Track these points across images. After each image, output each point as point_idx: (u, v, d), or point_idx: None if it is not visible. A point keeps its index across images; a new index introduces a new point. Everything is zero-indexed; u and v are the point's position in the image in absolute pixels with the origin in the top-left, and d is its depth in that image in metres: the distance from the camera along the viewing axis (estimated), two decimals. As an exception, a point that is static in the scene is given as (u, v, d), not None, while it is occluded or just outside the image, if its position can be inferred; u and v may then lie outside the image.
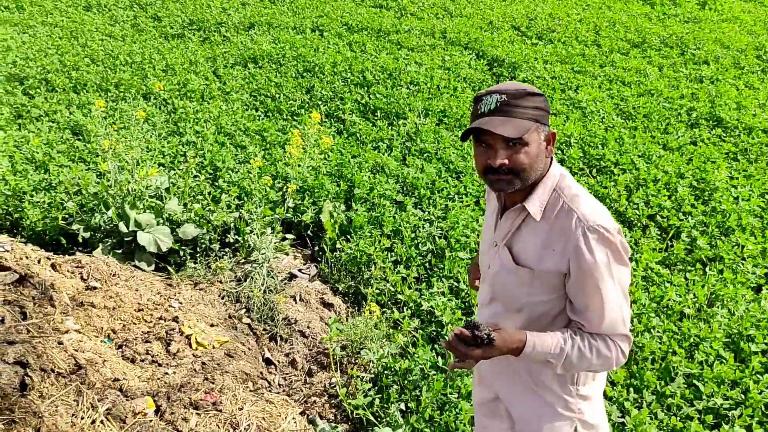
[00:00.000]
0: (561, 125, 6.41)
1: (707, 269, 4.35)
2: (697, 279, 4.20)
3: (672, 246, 4.67)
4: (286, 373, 3.75)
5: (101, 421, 2.61)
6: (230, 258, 4.57)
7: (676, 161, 5.73)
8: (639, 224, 4.96)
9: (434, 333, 3.81)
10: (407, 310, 3.95)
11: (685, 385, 3.39)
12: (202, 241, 4.57)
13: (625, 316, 1.89)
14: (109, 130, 5.04)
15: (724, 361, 3.52)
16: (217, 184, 5.21)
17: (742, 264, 4.43)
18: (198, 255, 4.54)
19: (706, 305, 4.03)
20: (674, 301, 3.96)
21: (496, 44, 9.15)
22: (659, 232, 4.87)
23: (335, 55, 8.32)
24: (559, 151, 6.01)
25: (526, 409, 2.07)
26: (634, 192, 5.28)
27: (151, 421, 2.80)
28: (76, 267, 3.71)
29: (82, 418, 2.55)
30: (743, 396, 3.29)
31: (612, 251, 1.83)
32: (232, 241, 4.66)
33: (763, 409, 3.23)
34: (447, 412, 3.16)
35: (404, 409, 3.33)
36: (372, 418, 3.23)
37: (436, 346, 3.70)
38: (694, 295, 4.06)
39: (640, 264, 4.36)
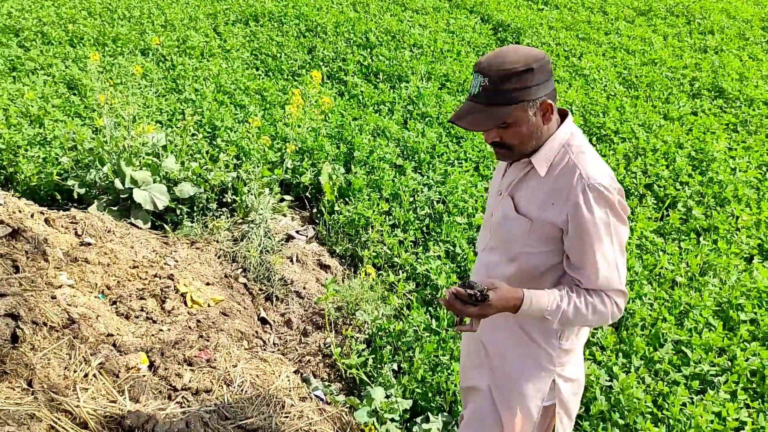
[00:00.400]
0: (563, 92, 6.36)
1: (701, 239, 4.36)
2: (691, 248, 4.21)
3: (668, 215, 4.67)
4: (281, 333, 3.78)
5: (94, 375, 2.64)
6: (227, 218, 4.57)
7: (676, 131, 5.70)
8: (636, 193, 4.96)
9: (429, 296, 3.83)
10: (403, 273, 3.97)
11: (674, 352, 3.42)
12: (199, 200, 4.57)
13: (621, 273, 1.93)
14: (105, 85, 4.98)
15: (712, 328, 3.55)
16: (215, 143, 5.18)
17: (736, 234, 4.43)
18: (195, 214, 4.53)
19: (698, 274, 4.05)
20: (666, 269, 3.97)
21: (502, 8, 9.02)
22: (655, 202, 4.86)
23: (338, 15, 8.20)
24: (560, 118, 5.97)
25: (508, 361, 2.12)
26: (632, 161, 5.26)
27: (144, 376, 2.83)
28: (71, 222, 3.71)
29: (75, 372, 2.58)
30: (730, 363, 3.33)
31: (611, 209, 1.87)
32: (229, 201, 4.65)
33: (749, 375, 3.27)
34: (439, 373, 3.20)
35: (397, 369, 3.37)
36: (365, 377, 3.27)
37: (430, 308, 3.72)
38: (687, 264, 4.07)
39: (635, 232, 4.37)
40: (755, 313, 3.68)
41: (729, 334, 3.55)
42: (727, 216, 4.59)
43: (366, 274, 3.55)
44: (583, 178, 1.85)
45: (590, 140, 5.68)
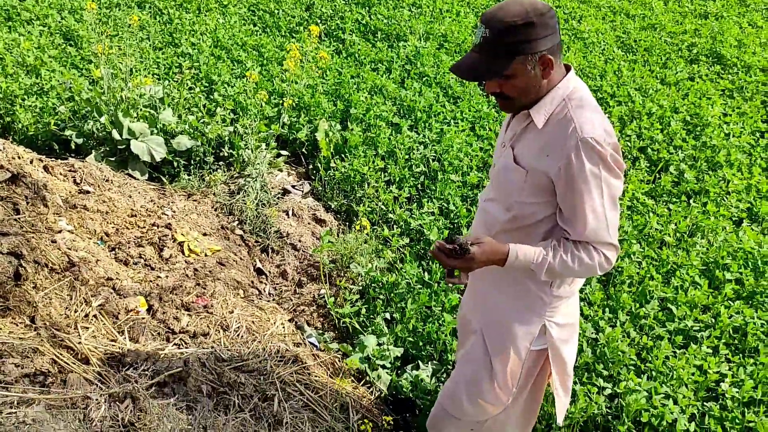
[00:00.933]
0: (562, 55, 6.33)
1: (691, 201, 4.42)
2: (680, 210, 4.28)
3: (660, 178, 4.73)
4: (277, 284, 3.85)
5: (94, 315, 2.70)
6: (224, 171, 4.60)
7: (672, 96, 5.73)
8: (630, 156, 5.00)
9: (422, 251, 3.90)
10: (397, 228, 4.03)
11: (659, 308, 3.51)
12: (196, 153, 4.59)
13: (610, 226, 1.95)
14: (102, 36, 4.96)
15: (698, 287, 3.64)
16: (212, 97, 5.18)
17: (726, 198, 4.50)
18: (192, 167, 4.56)
19: (687, 236, 4.13)
20: (655, 229, 4.05)
21: (501, -31, 8.93)
22: (648, 165, 4.92)
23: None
24: (557, 81, 5.98)
25: (500, 301, 2.20)
26: (628, 124, 5.29)
27: (143, 318, 2.90)
28: (69, 171, 3.74)
29: (76, 311, 2.64)
30: (714, 320, 3.42)
31: (603, 163, 1.88)
32: (226, 155, 4.68)
33: (731, 332, 3.37)
34: (430, 324, 3.28)
35: (389, 319, 3.45)
36: (358, 326, 3.35)
37: (423, 262, 3.79)
38: (676, 224, 4.14)
39: (626, 194, 4.43)
40: (740, 273, 3.77)
41: (714, 293, 3.64)
42: (718, 180, 4.65)
43: (361, 227, 3.60)
44: (577, 132, 1.87)
45: (586, 103, 5.70)
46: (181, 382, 2.51)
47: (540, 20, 1.83)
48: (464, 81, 5.65)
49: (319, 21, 6.94)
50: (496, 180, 2.13)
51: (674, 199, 4.52)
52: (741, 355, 3.28)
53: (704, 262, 3.86)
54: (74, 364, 2.33)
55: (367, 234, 3.90)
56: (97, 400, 1.89)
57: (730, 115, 5.52)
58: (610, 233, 1.96)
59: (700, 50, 6.74)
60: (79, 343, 2.44)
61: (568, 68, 2.01)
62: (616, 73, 6.09)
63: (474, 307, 2.32)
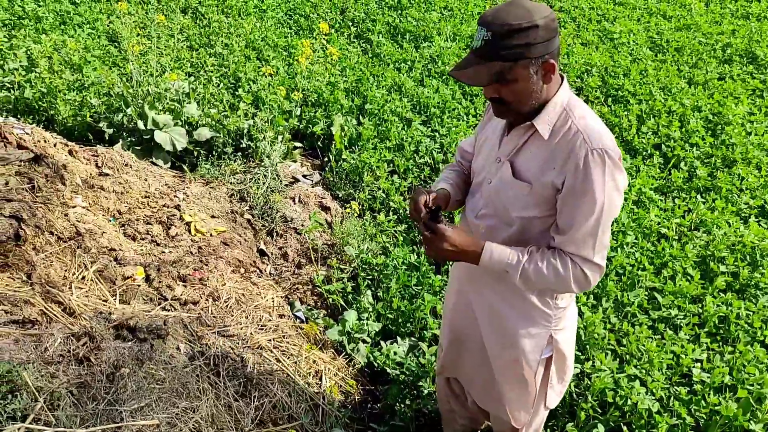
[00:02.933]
0: (588, 55, 6.36)
1: (700, 197, 4.39)
2: (684, 204, 4.26)
3: (671, 174, 4.71)
4: (278, 265, 4.05)
5: (91, 279, 2.97)
6: (242, 162, 4.86)
7: (698, 95, 5.66)
8: (644, 153, 4.99)
9: (417, 238, 4.03)
10: (394, 215, 4.18)
11: (646, 297, 3.52)
12: (216, 144, 4.87)
13: (598, 243, 1.90)
14: (136, 36, 5.32)
15: (690, 278, 3.63)
16: (237, 93, 5.47)
17: (739, 195, 4.45)
18: (211, 157, 4.84)
19: (689, 230, 4.11)
20: (653, 222, 4.05)
21: (541, -27, 8.97)
22: (662, 161, 4.90)
23: (374, -23, 8.36)
24: (578, 79, 6.01)
25: (505, 320, 2.15)
26: (645, 122, 5.27)
27: (139, 285, 3.15)
28: (92, 155, 4.06)
29: (74, 274, 2.91)
30: (700, 309, 3.42)
31: (609, 175, 1.84)
32: (244, 146, 4.94)
33: (716, 322, 3.36)
34: (408, 302, 3.41)
35: (377, 297, 3.60)
36: (343, 303, 3.52)
37: (415, 247, 3.93)
38: (678, 217, 4.13)
39: (634, 188, 4.44)
40: (736, 266, 3.73)
41: (705, 284, 3.63)
42: (732, 177, 4.59)
43: (350, 209, 3.76)
44: (587, 143, 1.82)
45: (606, 100, 5.72)
46: (160, 339, 2.73)
47: (544, 22, 1.77)
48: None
49: (351, 24, 7.18)
50: (494, 196, 2.04)
51: (684, 195, 4.50)
52: (721, 343, 3.27)
53: (700, 255, 3.85)
54: (62, 316, 2.58)
55: (366, 221, 4.07)
56: (59, 337, 2.13)
57: (756, 114, 5.42)
58: (595, 250, 1.91)
59: (734, 51, 6.61)
60: (69, 299, 2.70)
61: (561, 77, 1.96)
62: (642, 72, 6.06)
63: (470, 322, 2.29)
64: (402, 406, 3.02)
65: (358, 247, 3.82)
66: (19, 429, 1.64)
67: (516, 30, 1.74)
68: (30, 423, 1.66)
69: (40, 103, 5.09)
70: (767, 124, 5.27)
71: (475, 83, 1.83)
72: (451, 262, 2.37)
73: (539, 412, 2.38)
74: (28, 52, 5.54)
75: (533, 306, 2.09)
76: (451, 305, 2.39)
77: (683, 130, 5.20)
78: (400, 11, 7.43)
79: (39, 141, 3.71)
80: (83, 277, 2.95)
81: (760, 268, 3.68)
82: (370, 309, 3.42)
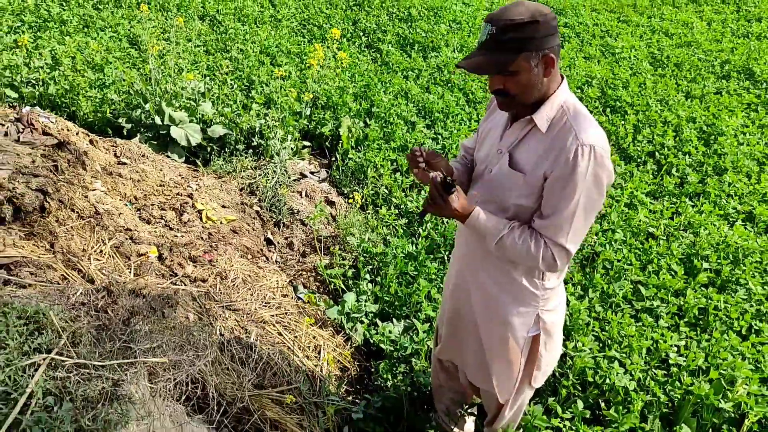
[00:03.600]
0: (588, 68, 6.58)
1: (689, 202, 4.57)
2: (671, 206, 4.45)
3: (663, 180, 4.90)
4: (283, 253, 4.27)
5: (108, 253, 3.19)
6: (253, 159, 5.09)
7: (694, 107, 5.86)
8: (639, 159, 5.19)
9: (416, 230, 4.24)
10: (395, 209, 4.39)
11: (631, 289, 3.71)
12: (229, 141, 5.11)
13: (573, 231, 2.05)
14: (155, 39, 5.59)
15: (674, 273, 3.81)
16: (250, 95, 5.73)
17: (727, 200, 4.63)
18: (224, 154, 5.08)
19: (676, 230, 4.29)
20: (643, 222, 4.24)
21: (549, -10, 9.24)
22: (656, 168, 5.09)
23: (386, -10, 8.65)
24: (578, 90, 6.23)
25: (494, 299, 2.33)
26: (641, 131, 5.47)
27: (152, 262, 3.37)
28: (111, 146, 4.31)
29: (92, 248, 3.14)
30: (682, 302, 3.59)
31: (595, 170, 1.98)
32: (256, 144, 5.18)
33: (696, 313, 3.53)
34: (405, 286, 3.61)
35: (375, 282, 3.80)
36: (343, 287, 3.72)
37: (413, 239, 4.13)
38: (667, 218, 4.31)
39: (626, 191, 4.63)
40: (719, 264, 3.91)
41: (688, 279, 3.81)
42: (722, 184, 4.78)
43: (353, 200, 3.98)
44: (579, 138, 1.96)
45: (604, 110, 5.93)
46: (171, 308, 2.94)
47: (544, 20, 1.92)
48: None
49: (362, 34, 7.45)
50: (493, 184, 2.21)
51: (674, 199, 4.69)
52: (701, 332, 3.44)
53: (685, 254, 4.03)
54: (80, 281, 2.80)
55: (368, 213, 4.28)
56: (80, 289, 2.34)
57: (749, 126, 5.61)
58: (568, 238, 2.06)
59: (732, 67, 6.82)
60: (88, 268, 2.92)
61: (562, 77, 2.12)
62: (641, 85, 6.27)
63: (466, 301, 2.46)
64: (394, 379, 3.21)
65: (360, 237, 4.03)
66: (44, 359, 1.85)
67: (518, 25, 1.90)
68: (54, 355, 1.88)
69: (63, 99, 5.36)
70: (760, 137, 5.46)
71: (481, 72, 1.98)
72: (440, 219, 2.54)
73: (524, 390, 2.56)
74: (53, 52, 5.84)
75: (522, 287, 2.27)
76: (452, 286, 2.57)
77: (677, 139, 5.40)
78: (409, 23, 7.69)
79: (62, 129, 3.96)
80: (101, 251, 3.18)
81: (741, 265, 3.86)
82: (369, 292, 3.63)
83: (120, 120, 5.13)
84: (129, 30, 6.81)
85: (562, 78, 2.12)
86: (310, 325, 3.44)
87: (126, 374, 1.92)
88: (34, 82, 5.46)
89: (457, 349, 2.65)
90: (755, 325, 3.43)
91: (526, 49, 1.93)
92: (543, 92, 2.05)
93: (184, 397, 2.33)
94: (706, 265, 3.87)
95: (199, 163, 4.94)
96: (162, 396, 2.13)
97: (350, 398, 3.21)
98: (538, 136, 2.08)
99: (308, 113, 5.34)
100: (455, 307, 2.57)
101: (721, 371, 3.08)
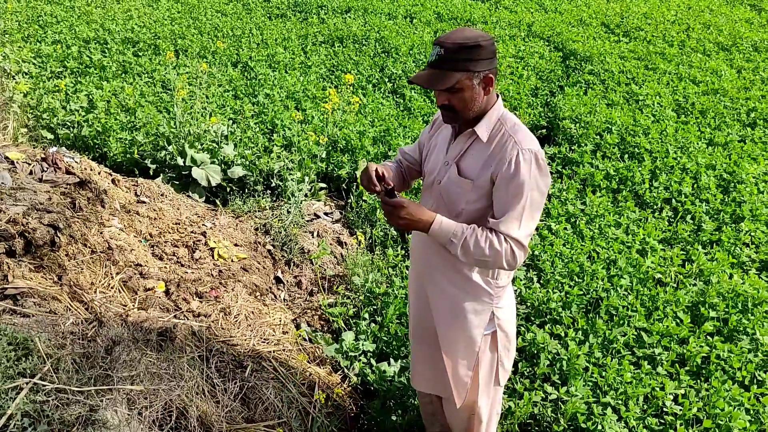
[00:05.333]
0: (609, 114, 6.60)
1: (702, 249, 4.52)
2: (681, 253, 4.40)
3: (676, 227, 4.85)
4: (292, 291, 4.36)
5: (116, 287, 3.33)
6: (270, 199, 5.25)
7: (715, 155, 5.81)
8: (654, 206, 5.16)
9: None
10: (402, 250, 4.46)
11: (634, 336, 3.67)
12: (248, 182, 5.29)
13: (523, 226, 2.26)
14: (191, 86, 5.86)
15: (679, 321, 3.76)
16: (272, 138, 5.92)
17: (742, 249, 4.56)
18: (244, 195, 5.25)
19: (685, 278, 4.24)
20: (651, 268, 4.20)
21: (579, 38, 9.34)
22: (671, 215, 5.05)
23: (415, 38, 8.87)
24: (597, 136, 6.25)
25: (451, 300, 2.52)
26: (658, 177, 5.45)
27: (158, 297, 3.50)
28: (133, 185, 4.51)
29: (100, 281, 3.28)
30: (685, 350, 3.54)
31: (535, 170, 2.23)
32: (274, 185, 5.34)
33: (699, 362, 3.47)
34: (407, 327, 3.66)
35: (374, 322, 3.85)
36: (343, 325, 3.78)
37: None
38: (679, 266, 4.27)
39: (637, 237, 4.60)
40: (727, 312, 3.85)
41: (694, 328, 3.75)
42: (738, 233, 4.71)
43: (357, 239, 4.06)
44: (518, 144, 2.24)
45: (622, 156, 5.93)
46: (169, 341, 3.05)
47: (486, 44, 2.21)
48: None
49: (387, 80, 7.65)
50: (444, 193, 2.44)
51: (688, 247, 4.64)
52: (699, 379, 3.39)
53: (693, 302, 3.97)
54: (83, 313, 2.94)
55: (376, 254, 4.36)
56: (71, 319, 2.46)
57: (771, 175, 5.54)
58: (520, 231, 2.25)
59: (759, 114, 6.76)
60: (92, 300, 3.06)
61: (496, 95, 2.41)
62: (662, 132, 6.26)
63: (426, 308, 2.65)
64: (387, 420, 3.23)
65: (364, 277, 4.11)
66: (27, 383, 1.97)
67: (464, 47, 2.19)
68: (37, 380, 1.99)
69: (95, 140, 5.64)
70: (782, 185, 5.38)
71: (429, 86, 2.23)
72: (409, 234, 2.70)
73: (489, 389, 2.69)
74: (89, 96, 6.16)
75: (476, 285, 2.47)
76: (413, 296, 2.77)
77: (695, 186, 5.36)
78: (434, 70, 7.85)
79: (85, 169, 4.18)
80: (109, 285, 3.32)
81: (750, 315, 3.79)
82: (368, 331, 3.68)
83: (146, 161, 5.37)
84: (163, 75, 7.14)
85: (498, 96, 2.39)
86: (308, 362, 3.51)
87: (102, 400, 2.02)
88: (69, 124, 5.76)
89: (422, 367, 2.79)
90: (759, 375, 3.36)
91: (470, 69, 2.20)
92: (482, 109, 2.32)
93: (167, 427, 2.42)
94: (713, 313, 3.81)
95: (218, 203, 5.12)
96: (142, 423, 2.22)
97: (342, 437, 3.24)
98: (480, 146, 2.34)
99: (325, 156, 5.49)
100: (417, 318, 2.75)
101: (718, 422, 3.02)
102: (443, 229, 2.28)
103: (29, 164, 3.94)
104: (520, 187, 2.23)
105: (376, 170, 2.36)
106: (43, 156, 4.06)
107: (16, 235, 2.96)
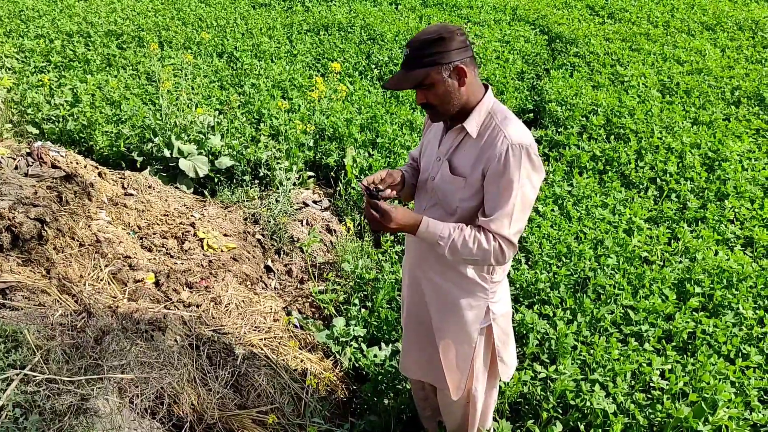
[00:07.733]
0: (595, 96, 6.63)
1: (688, 227, 4.57)
2: (667, 231, 4.45)
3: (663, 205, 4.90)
4: (282, 280, 4.38)
5: (105, 279, 3.34)
6: (258, 189, 5.25)
7: (700, 134, 5.85)
8: (641, 186, 5.20)
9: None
10: (391, 235, 4.48)
11: (621, 314, 3.71)
12: (236, 172, 5.29)
13: (513, 223, 2.21)
14: (176, 78, 5.83)
15: (665, 298, 3.81)
16: (259, 128, 5.92)
17: (727, 225, 4.60)
18: (231, 185, 5.25)
19: (671, 256, 4.29)
20: (637, 246, 4.24)
21: (563, 21, 9.35)
22: (657, 194, 5.10)
23: (401, 25, 8.85)
24: (583, 118, 6.28)
25: (448, 296, 2.51)
26: (644, 157, 5.49)
27: (148, 288, 3.51)
28: (119, 178, 4.51)
29: (89, 274, 3.29)
30: (671, 326, 3.59)
31: (526, 166, 2.18)
32: (262, 174, 5.35)
33: (685, 337, 3.52)
34: (397, 311, 3.69)
35: (365, 307, 3.88)
36: (334, 311, 3.81)
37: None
38: (665, 245, 4.31)
39: (624, 217, 4.64)
40: (712, 288, 3.90)
41: (679, 304, 3.80)
42: (723, 210, 4.76)
43: (347, 226, 4.08)
44: (508, 139, 2.17)
45: (608, 138, 5.96)
46: (160, 331, 3.07)
47: (450, 36, 2.14)
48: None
49: (374, 67, 7.64)
50: (438, 190, 2.40)
51: (674, 225, 4.68)
52: (685, 354, 3.44)
53: (679, 279, 4.02)
54: (72, 305, 2.95)
55: (365, 240, 4.38)
56: (60, 311, 2.48)
57: (754, 152, 5.58)
58: (510, 229, 2.22)
59: (743, 93, 6.80)
60: (80, 292, 3.07)
61: (486, 87, 2.32)
62: (647, 113, 6.29)
63: (421, 303, 2.63)
64: (379, 403, 3.26)
65: (354, 263, 4.13)
66: (18, 374, 1.98)
67: (428, 42, 2.15)
68: (27, 371, 2.00)
69: (80, 134, 5.62)
70: (766, 161, 5.42)
71: (402, 88, 2.21)
72: (391, 236, 2.69)
73: (484, 380, 2.68)
74: (74, 90, 6.13)
75: (472, 281, 2.45)
76: (407, 290, 2.75)
77: (680, 165, 5.40)
78: (420, 56, 7.85)
79: (71, 162, 4.17)
80: (98, 278, 3.33)
81: (734, 290, 3.84)
82: (358, 317, 3.71)
83: (133, 153, 5.36)
84: (148, 68, 7.10)
85: (487, 87, 2.32)
86: (300, 349, 3.53)
87: (93, 389, 2.04)
88: (54, 118, 5.73)
89: (416, 356, 2.78)
90: (743, 349, 3.41)
91: (437, 63, 2.15)
92: (465, 101, 2.25)
93: (160, 414, 2.44)
94: (698, 289, 3.86)
95: (206, 194, 5.12)
96: (134, 411, 2.24)
97: (336, 421, 3.27)
98: (471, 141, 2.28)
99: (312, 144, 5.49)
100: (412, 312, 2.73)
101: (704, 395, 3.07)
102: (430, 231, 2.25)
103: (14, 159, 3.93)
104: (510, 184, 2.18)
105: (382, 175, 2.36)
106: (28, 151, 4.05)
107: (3, 230, 2.96)
